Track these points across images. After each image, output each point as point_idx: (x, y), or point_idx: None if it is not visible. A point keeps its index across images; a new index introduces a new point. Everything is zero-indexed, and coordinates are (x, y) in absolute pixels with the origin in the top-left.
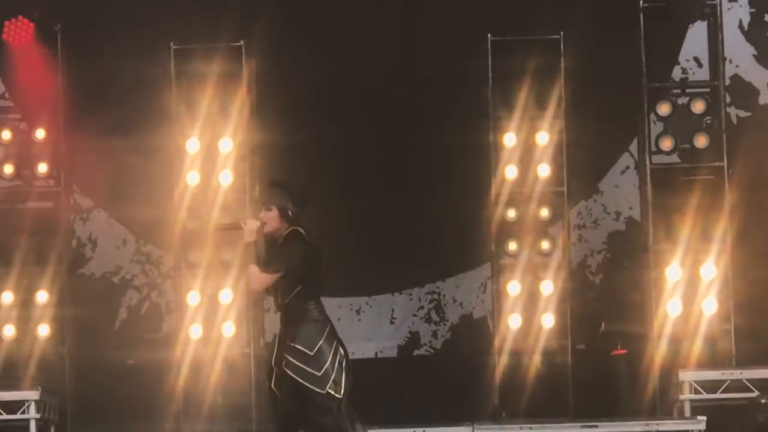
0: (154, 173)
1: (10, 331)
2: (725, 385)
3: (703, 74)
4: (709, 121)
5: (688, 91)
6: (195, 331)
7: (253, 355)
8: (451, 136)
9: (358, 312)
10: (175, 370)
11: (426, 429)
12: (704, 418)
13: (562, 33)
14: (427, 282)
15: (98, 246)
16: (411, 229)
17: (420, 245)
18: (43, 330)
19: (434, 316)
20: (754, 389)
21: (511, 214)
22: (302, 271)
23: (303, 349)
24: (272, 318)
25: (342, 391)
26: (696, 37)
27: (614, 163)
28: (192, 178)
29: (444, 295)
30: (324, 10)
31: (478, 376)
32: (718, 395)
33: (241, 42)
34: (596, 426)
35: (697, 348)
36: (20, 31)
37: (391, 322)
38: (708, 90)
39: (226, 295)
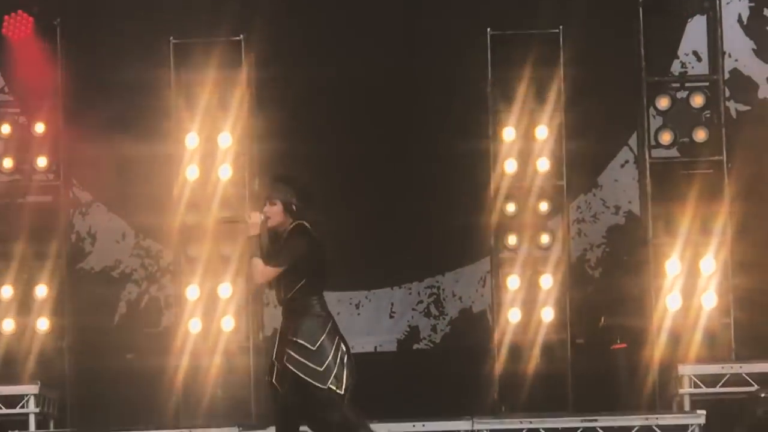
0: (154, 167)
1: (9, 325)
2: (725, 379)
3: (702, 68)
4: (708, 115)
5: (687, 85)
6: (194, 325)
7: (253, 349)
8: (451, 130)
9: (357, 306)
10: (175, 364)
11: (425, 423)
12: (704, 412)
13: (561, 27)
14: (427, 276)
15: (97, 240)
16: (410, 224)
17: (419, 239)
18: (43, 324)
19: (433, 310)
20: (753, 383)
21: (511, 208)
22: (307, 265)
23: (305, 344)
24: (272, 312)
25: (344, 387)
26: (695, 32)
27: (613, 157)
28: (191, 172)
29: (443, 289)
30: (324, 4)
31: (478, 370)
32: (718, 389)
33: (241, 36)
34: (596, 420)
35: (696, 342)
36: (20, 26)
37: (391, 317)
38: (707, 84)
39: (226, 290)
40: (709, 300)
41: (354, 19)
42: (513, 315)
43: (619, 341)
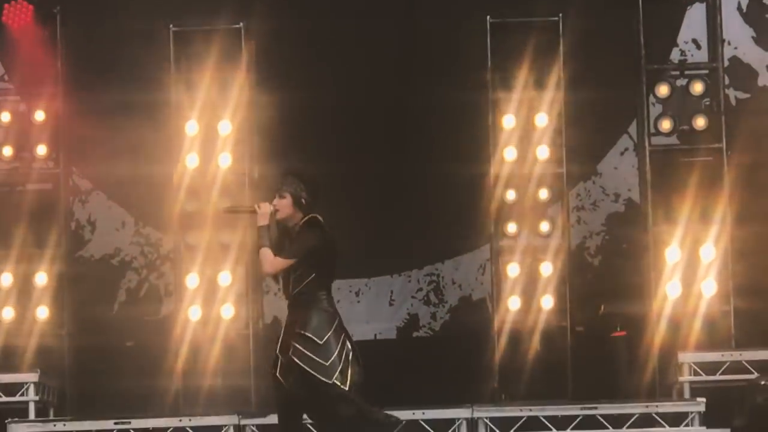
0: (154, 155)
1: (9, 313)
2: (725, 367)
3: (701, 56)
4: (707, 103)
5: (687, 72)
6: (194, 313)
7: (252, 337)
8: (450, 118)
9: (357, 294)
10: (174, 352)
11: (425, 411)
12: (703, 399)
13: (561, 15)
14: (426, 264)
15: (97, 228)
16: (410, 211)
17: (419, 227)
18: (42, 312)
19: (433, 298)
20: (753, 371)
21: (510, 195)
22: (318, 259)
23: (312, 338)
24: (271, 300)
25: (348, 383)
26: (694, 19)
27: (613, 144)
28: (191, 160)
29: (443, 277)
30: None
31: (477, 358)
32: (718, 377)
33: (241, 24)
34: (595, 408)
35: (696, 329)
36: (19, 14)
37: (390, 304)
38: (707, 72)
39: (225, 278)
40: (708, 287)
41: (353, 7)
42: (513, 303)
43: (618, 329)
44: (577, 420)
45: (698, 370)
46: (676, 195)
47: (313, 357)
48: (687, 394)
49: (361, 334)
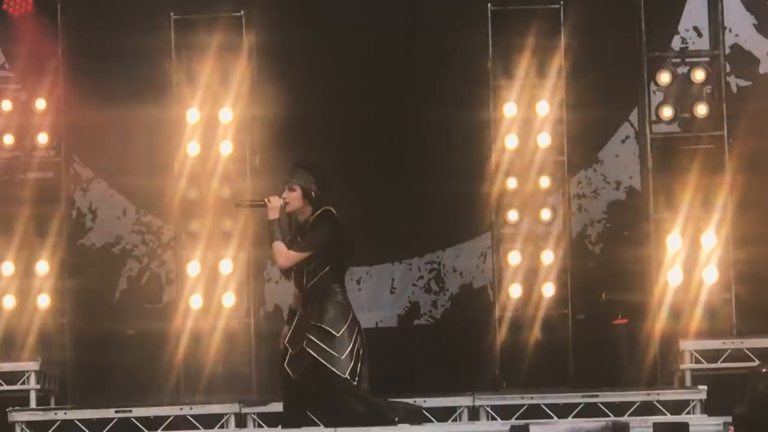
0: (155, 143)
1: (10, 301)
2: (726, 355)
3: (703, 43)
4: (709, 91)
5: (688, 60)
6: (195, 301)
7: (254, 325)
8: (452, 105)
9: (358, 282)
10: (175, 340)
11: (426, 399)
12: (705, 387)
13: (562, 2)
14: (427, 252)
15: (98, 216)
16: (411, 199)
17: (419, 215)
18: (44, 300)
19: (434, 286)
20: (754, 358)
21: (512, 183)
22: (332, 252)
23: (329, 330)
24: (272, 288)
25: (357, 378)
26: (696, 7)
27: (614, 132)
28: (192, 148)
29: (444, 265)
30: None
31: (479, 346)
32: (719, 364)
33: (242, 12)
34: (597, 396)
35: (697, 317)
36: (20, 2)
37: (391, 292)
38: (708, 59)
39: (227, 266)
40: (710, 275)
41: None
42: (514, 290)
43: (620, 316)
44: (579, 408)
45: (699, 357)
46: (677, 183)
47: (329, 350)
48: (688, 382)
49: (363, 322)
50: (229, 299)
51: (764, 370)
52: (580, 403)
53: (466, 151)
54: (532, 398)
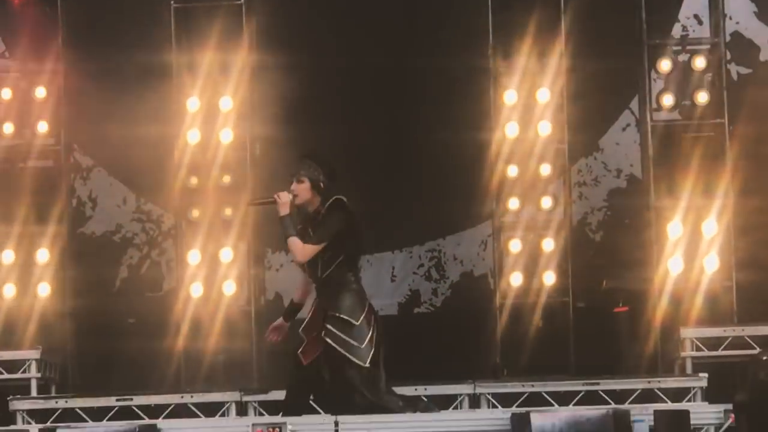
0: (155, 132)
1: (10, 290)
2: (727, 342)
3: (703, 31)
4: (709, 78)
5: (688, 48)
6: (196, 289)
7: (254, 313)
8: (452, 93)
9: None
10: (176, 328)
11: (427, 387)
12: (706, 375)
13: None
14: (428, 239)
15: (98, 205)
16: (411, 187)
17: (420, 203)
18: (44, 289)
19: (434, 274)
20: (755, 346)
21: (512, 171)
22: (345, 240)
23: (348, 319)
24: (273, 276)
25: (377, 365)
26: None
27: (615, 120)
28: (192, 136)
29: (444, 253)
30: None
31: (479, 334)
32: (720, 352)
33: (242, 0)
34: (597, 383)
35: (698, 305)
36: None
37: (392, 280)
38: (708, 47)
39: (227, 254)
40: (711, 263)
41: None
42: (514, 278)
43: (620, 304)
44: (579, 395)
45: (700, 345)
46: (678, 170)
47: (348, 339)
48: (689, 370)
49: None
50: (229, 287)
51: (765, 358)
52: (580, 391)
53: (467, 139)
54: (532, 386)
